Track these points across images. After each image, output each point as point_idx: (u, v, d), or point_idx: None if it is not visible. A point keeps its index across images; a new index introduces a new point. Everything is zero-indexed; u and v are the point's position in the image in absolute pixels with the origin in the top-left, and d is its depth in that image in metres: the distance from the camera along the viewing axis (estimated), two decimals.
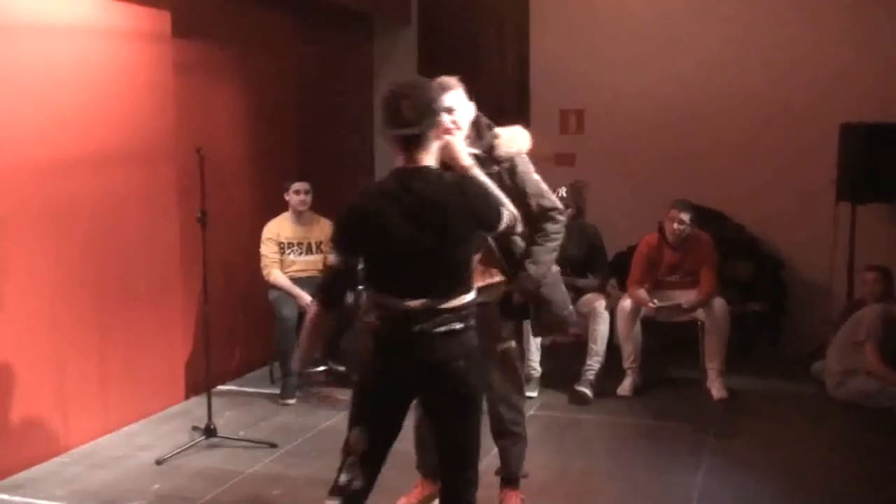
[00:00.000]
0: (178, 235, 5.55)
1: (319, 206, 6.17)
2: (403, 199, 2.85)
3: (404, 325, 2.87)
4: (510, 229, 3.18)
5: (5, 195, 4.42)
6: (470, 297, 2.95)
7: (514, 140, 3.81)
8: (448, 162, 3.19)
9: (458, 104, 3.68)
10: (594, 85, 7.42)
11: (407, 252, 2.86)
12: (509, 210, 3.14)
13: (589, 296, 6.00)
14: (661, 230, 6.05)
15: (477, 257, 3.78)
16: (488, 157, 3.74)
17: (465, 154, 3.26)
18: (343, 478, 2.95)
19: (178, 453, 4.78)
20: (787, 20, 6.97)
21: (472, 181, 3.11)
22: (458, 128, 3.71)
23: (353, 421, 3.01)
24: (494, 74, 7.59)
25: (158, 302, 5.45)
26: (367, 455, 2.95)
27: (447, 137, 3.11)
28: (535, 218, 3.84)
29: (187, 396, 5.74)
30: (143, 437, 5.11)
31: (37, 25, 4.60)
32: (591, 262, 6.08)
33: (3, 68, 4.41)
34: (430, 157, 2.92)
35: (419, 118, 2.84)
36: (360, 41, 7.96)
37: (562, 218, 3.88)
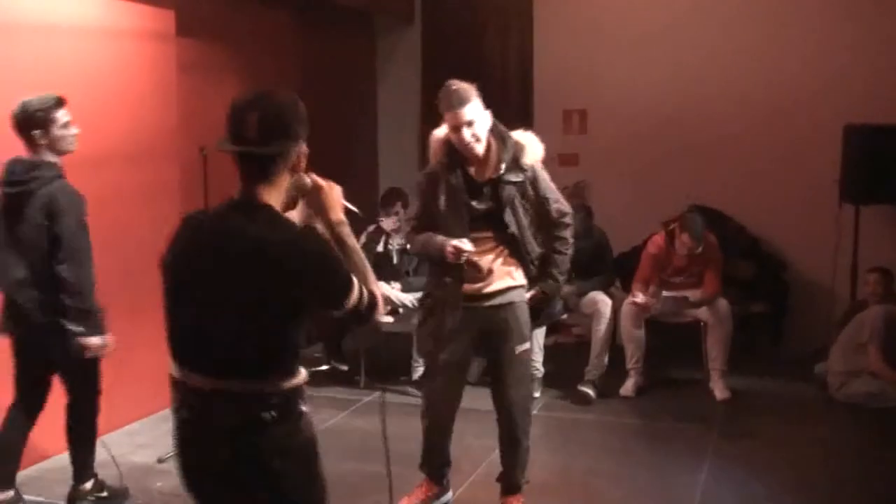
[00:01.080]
0: None
1: None
2: (220, 245, 2.22)
3: (200, 415, 2.26)
4: (363, 315, 2.31)
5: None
6: (290, 382, 2.26)
7: (533, 148, 3.86)
8: (315, 212, 2.42)
9: (476, 115, 3.71)
10: (597, 85, 7.41)
11: (207, 312, 2.24)
12: (368, 292, 2.32)
13: (592, 296, 6.00)
14: (668, 233, 6.03)
15: (491, 261, 3.84)
16: (515, 165, 3.80)
17: (339, 207, 2.43)
18: None
19: None
20: (790, 21, 6.96)
21: (317, 238, 2.29)
22: (479, 140, 3.75)
23: None
24: (497, 74, 7.59)
25: (159, 301, 5.41)
26: None
27: (317, 178, 2.41)
28: (554, 223, 3.92)
29: None
30: (144, 436, 5.12)
31: (40, 24, 4.61)
32: (597, 263, 6.09)
33: (6, 67, 4.42)
34: (274, 195, 2.27)
35: (265, 138, 2.23)
36: (363, 40, 7.96)
37: (572, 222, 3.97)
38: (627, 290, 6.23)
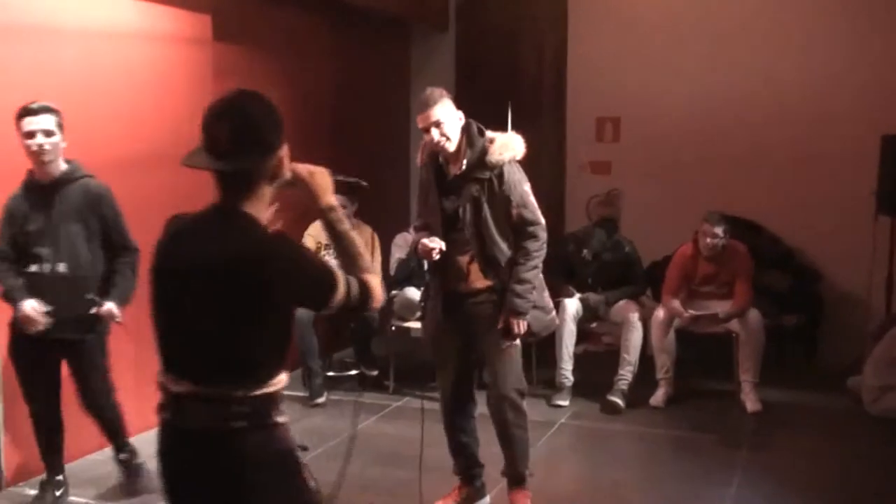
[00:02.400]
0: None
1: (357, 212, 6.20)
2: (198, 250, 2.20)
3: (178, 418, 2.23)
4: (357, 306, 2.31)
5: None
6: (267, 388, 2.21)
7: (506, 147, 3.86)
8: (307, 200, 2.40)
9: (445, 116, 3.81)
10: (631, 93, 7.39)
11: (184, 318, 2.22)
12: (361, 281, 2.30)
13: (622, 305, 5.98)
14: (696, 241, 6.01)
15: (468, 262, 3.86)
16: (480, 163, 3.84)
17: (329, 190, 2.40)
18: None
19: None
20: (829, 30, 6.90)
21: (290, 244, 2.24)
22: (448, 139, 3.83)
23: None
24: (531, 82, 7.58)
25: None
26: None
27: (299, 169, 2.35)
28: (516, 230, 3.90)
29: None
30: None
31: (78, 29, 4.67)
32: (626, 273, 6.09)
33: (45, 72, 4.49)
34: (255, 204, 2.23)
35: (238, 149, 2.16)
36: (397, 48, 7.99)
37: (543, 234, 3.92)
38: (658, 299, 6.20)
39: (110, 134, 4.85)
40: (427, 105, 3.81)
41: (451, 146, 3.85)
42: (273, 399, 2.23)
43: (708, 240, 5.86)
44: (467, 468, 4.21)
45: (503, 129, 3.99)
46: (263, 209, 2.26)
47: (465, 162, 3.86)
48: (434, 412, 4.23)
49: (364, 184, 2.59)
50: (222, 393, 2.16)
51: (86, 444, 4.77)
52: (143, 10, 5.06)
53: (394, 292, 6.08)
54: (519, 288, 3.85)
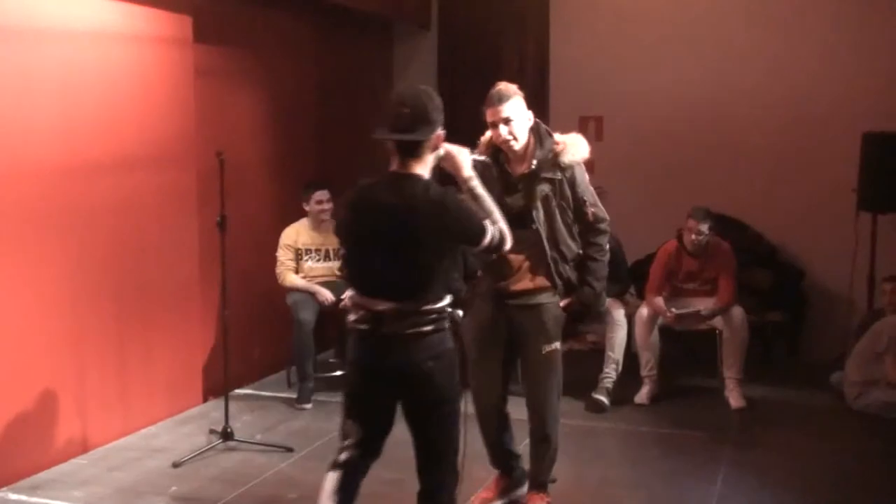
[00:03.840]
0: (197, 240, 5.57)
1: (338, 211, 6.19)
2: (387, 204, 2.99)
3: (377, 327, 3.02)
4: (496, 248, 3.16)
5: (26, 198, 4.46)
6: (441, 303, 3.05)
7: (576, 148, 3.94)
8: (450, 172, 3.21)
9: (514, 113, 3.83)
10: (614, 92, 7.40)
11: (382, 255, 3.00)
12: (498, 228, 3.14)
13: (607, 303, 5.99)
14: (680, 238, 6.03)
15: (522, 260, 3.92)
16: (550, 163, 3.88)
17: (468, 166, 3.22)
18: (342, 456, 3.16)
19: (195, 456, 4.80)
20: (808, 29, 6.94)
21: (455, 198, 3.10)
22: (516, 139, 3.85)
23: (345, 413, 3.19)
24: (514, 80, 7.46)
25: (177, 305, 5.47)
26: (362, 441, 3.15)
27: (449, 147, 3.15)
28: (589, 228, 3.99)
29: (205, 399, 5.77)
30: (160, 440, 5.13)
31: (59, 30, 4.64)
32: (611, 270, 6.06)
33: (25, 72, 4.46)
34: (422, 167, 3.04)
35: (415, 127, 2.97)
36: (380, 47, 7.98)
37: (609, 229, 4.05)
38: (642, 297, 6.22)
39: (91, 134, 4.82)
40: (500, 100, 3.81)
41: (518, 145, 3.87)
42: (443, 311, 3.06)
43: (693, 236, 5.88)
44: (504, 460, 4.25)
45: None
46: (428, 171, 3.07)
47: (534, 161, 3.88)
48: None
49: (487, 160, 3.64)
50: (414, 308, 3.00)
51: (71, 448, 4.76)
52: (124, 10, 5.03)
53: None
54: (598, 285, 3.99)
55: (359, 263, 3.11)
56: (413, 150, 3.01)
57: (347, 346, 3.19)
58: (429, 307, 3.02)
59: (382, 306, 3.00)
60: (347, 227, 3.15)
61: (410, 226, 2.95)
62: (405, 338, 3.01)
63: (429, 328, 3.02)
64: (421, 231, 2.96)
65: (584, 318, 4.13)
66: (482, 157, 3.59)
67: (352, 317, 3.11)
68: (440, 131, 3.06)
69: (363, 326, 3.06)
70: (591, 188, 4.01)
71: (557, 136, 3.94)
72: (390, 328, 3.01)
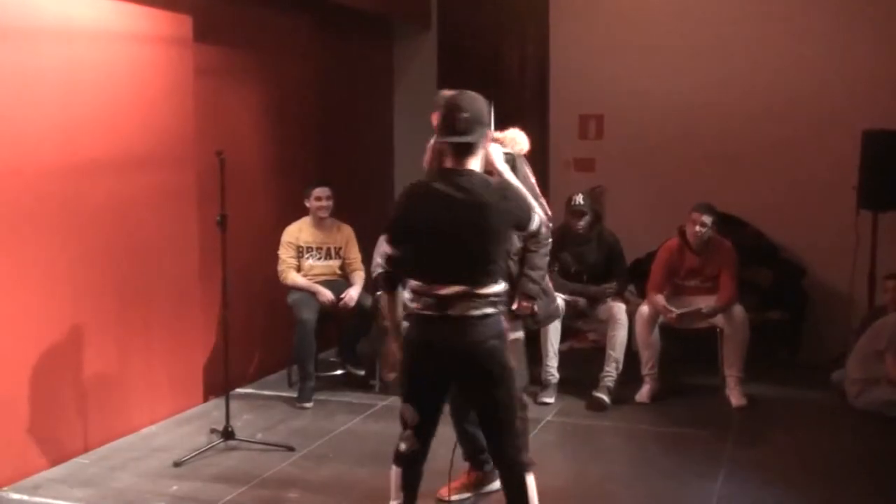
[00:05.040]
0: (197, 239, 5.57)
1: (339, 210, 6.18)
2: (451, 198, 3.26)
3: (443, 311, 3.27)
4: (538, 231, 3.55)
5: (26, 198, 4.46)
6: (501, 287, 3.34)
7: (516, 141, 4.07)
8: (487, 167, 3.52)
9: None
10: (614, 90, 7.40)
11: (449, 244, 3.27)
12: (540, 214, 3.54)
13: (607, 301, 5.99)
14: (681, 234, 6.02)
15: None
16: None
17: (502, 160, 3.70)
18: (402, 446, 3.39)
19: (195, 455, 4.80)
20: (809, 27, 6.93)
21: (512, 187, 3.54)
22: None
23: (404, 398, 3.40)
24: (514, 79, 7.59)
25: (177, 305, 5.47)
26: (419, 427, 3.37)
27: (492, 148, 3.58)
28: None
29: (206, 399, 5.77)
30: (161, 439, 5.13)
31: (59, 29, 4.64)
32: (610, 269, 6.08)
33: (25, 72, 4.45)
34: (475, 163, 3.35)
35: (472, 129, 3.28)
36: (380, 46, 7.98)
37: (551, 225, 4.00)
38: (642, 295, 6.21)
39: (91, 134, 4.82)
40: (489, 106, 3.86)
41: (497, 147, 3.92)
42: (502, 294, 3.34)
43: (697, 228, 5.87)
44: (474, 452, 4.28)
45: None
46: (480, 167, 3.37)
47: None
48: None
49: (513, 154, 3.96)
50: (477, 291, 3.25)
51: (72, 447, 4.76)
52: (124, 10, 5.03)
53: (380, 292, 6.05)
54: (533, 273, 4.02)
55: (424, 254, 3.35)
56: (470, 150, 3.32)
57: (407, 331, 3.42)
58: (490, 290, 3.28)
59: (449, 290, 3.25)
60: (407, 223, 3.38)
61: (479, 215, 3.23)
62: (471, 319, 3.25)
63: (491, 310, 3.28)
64: (490, 219, 3.25)
65: (535, 315, 4.12)
66: (510, 151, 3.92)
67: (414, 305, 3.34)
68: (489, 131, 3.46)
69: (428, 312, 3.30)
70: (533, 181, 4.05)
71: (497, 134, 3.99)
72: (456, 311, 3.25)
